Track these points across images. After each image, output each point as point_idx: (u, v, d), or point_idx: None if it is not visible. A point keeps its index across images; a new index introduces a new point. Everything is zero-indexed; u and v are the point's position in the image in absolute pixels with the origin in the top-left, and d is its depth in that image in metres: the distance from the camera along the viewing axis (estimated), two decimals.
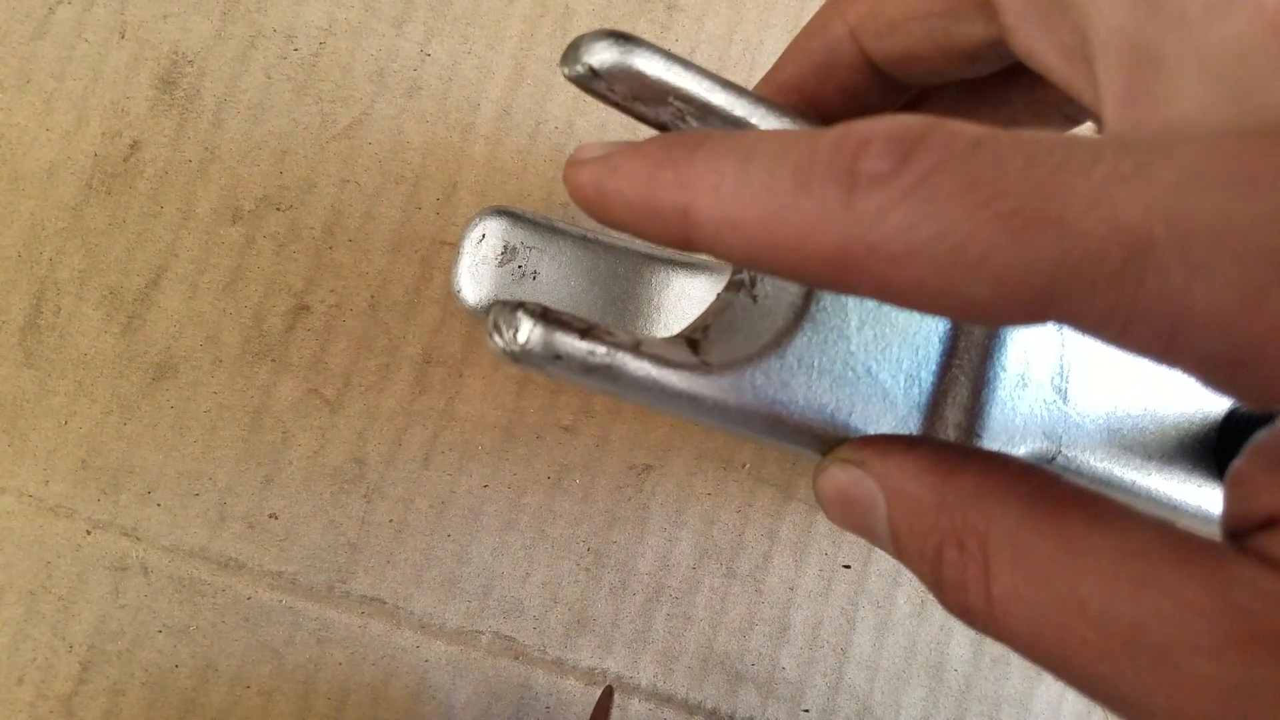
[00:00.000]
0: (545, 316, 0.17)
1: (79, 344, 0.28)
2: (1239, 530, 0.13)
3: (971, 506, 0.15)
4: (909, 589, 0.30)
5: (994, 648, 0.30)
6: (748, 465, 0.31)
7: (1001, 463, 0.16)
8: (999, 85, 0.21)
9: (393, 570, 0.29)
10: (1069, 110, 0.21)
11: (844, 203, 0.12)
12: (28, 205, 0.28)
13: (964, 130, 0.12)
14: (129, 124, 0.29)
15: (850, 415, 0.21)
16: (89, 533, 0.27)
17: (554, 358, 0.17)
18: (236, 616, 0.28)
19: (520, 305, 0.17)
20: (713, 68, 0.31)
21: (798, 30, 0.32)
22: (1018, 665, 0.30)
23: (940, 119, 0.12)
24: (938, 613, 0.30)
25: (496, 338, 0.18)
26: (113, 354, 0.28)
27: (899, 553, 0.17)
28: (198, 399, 0.28)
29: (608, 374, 0.18)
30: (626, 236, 0.30)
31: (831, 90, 0.21)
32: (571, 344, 0.18)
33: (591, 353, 0.18)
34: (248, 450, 0.28)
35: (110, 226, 0.28)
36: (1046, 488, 0.15)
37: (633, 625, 0.29)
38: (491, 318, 0.18)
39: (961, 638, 0.30)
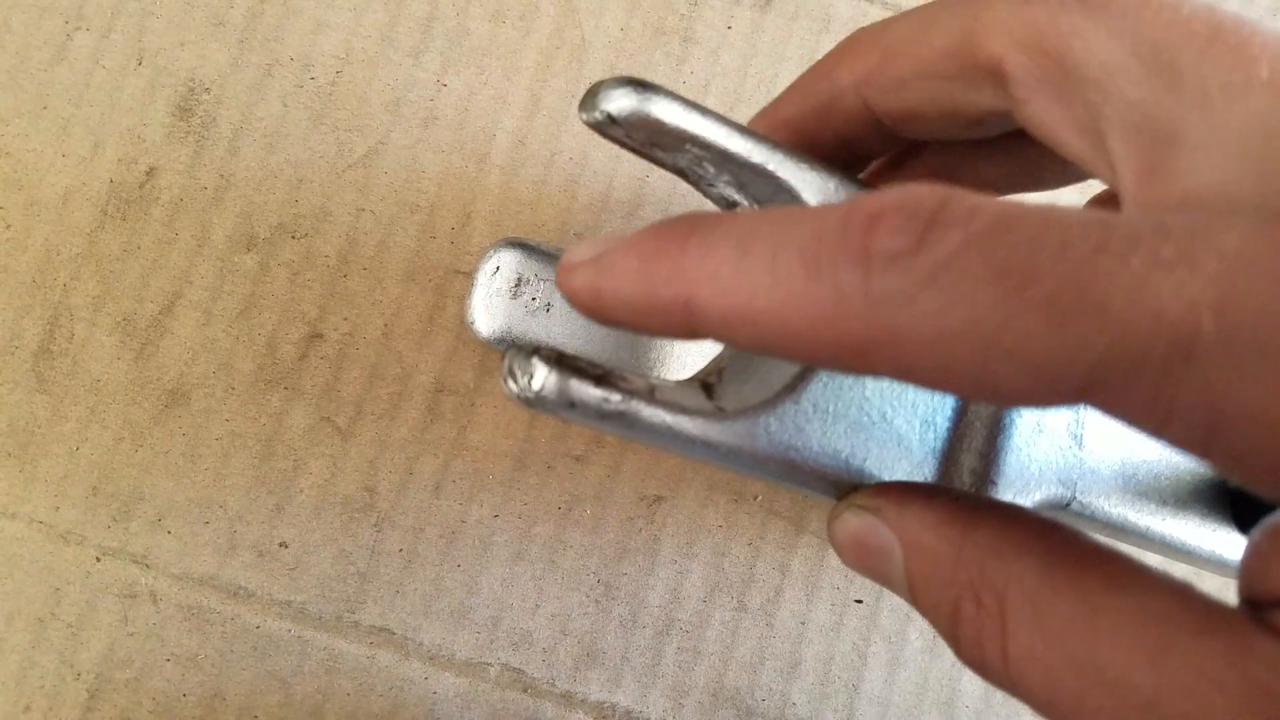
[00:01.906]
0: (560, 363, 0.17)
1: (92, 370, 0.28)
2: (1257, 601, 0.13)
3: (990, 562, 0.15)
4: (921, 625, 0.30)
5: None
6: (759, 498, 0.31)
7: (1021, 517, 0.16)
8: (998, 143, 0.21)
9: (402, 600, 0.29)
10: (1070, 172, 0.21)
11: (861, 287, 0.12)
12: (43, 230, 0.29)
13: (985, 206, 0.12)
14: (145, 150, 0.29)
15: (865, 461, 0.21)
16: (99, 560, 0.27)
17: (569, 405, 0.18)
18: (245, 645, 0.28)
19: (536, 351, 0.18)
20: (727, 101, 0.31)
21: (812, 63, 0.32)
22: None
23: (954, 190, 0.12)
24: (946, 649, 0.30)
25: (511, 383, 0.18)
26: (125, 380, 0.28)
27: (915, 601, 0.17)
28: (210, 426, 0.28)
29: (622, 420, 0.18)
30: None
31: (829, 134, 0.22)
32: (586, 391, 0.18)
33: (606, 400, 0.18)
34: (259, 478, 0.28)
35: (125, 253, 0.29)
36: (1066, 545, 0.15)
37: (642, 659, 0.29)
38: (506, 363, 0.18)
39: (973, 675, 0.30)
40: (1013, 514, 0.17)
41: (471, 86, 0.31)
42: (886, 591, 0.30)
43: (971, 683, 0.30)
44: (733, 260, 0.13)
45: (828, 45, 0.32)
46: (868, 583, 0.30)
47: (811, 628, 0.30)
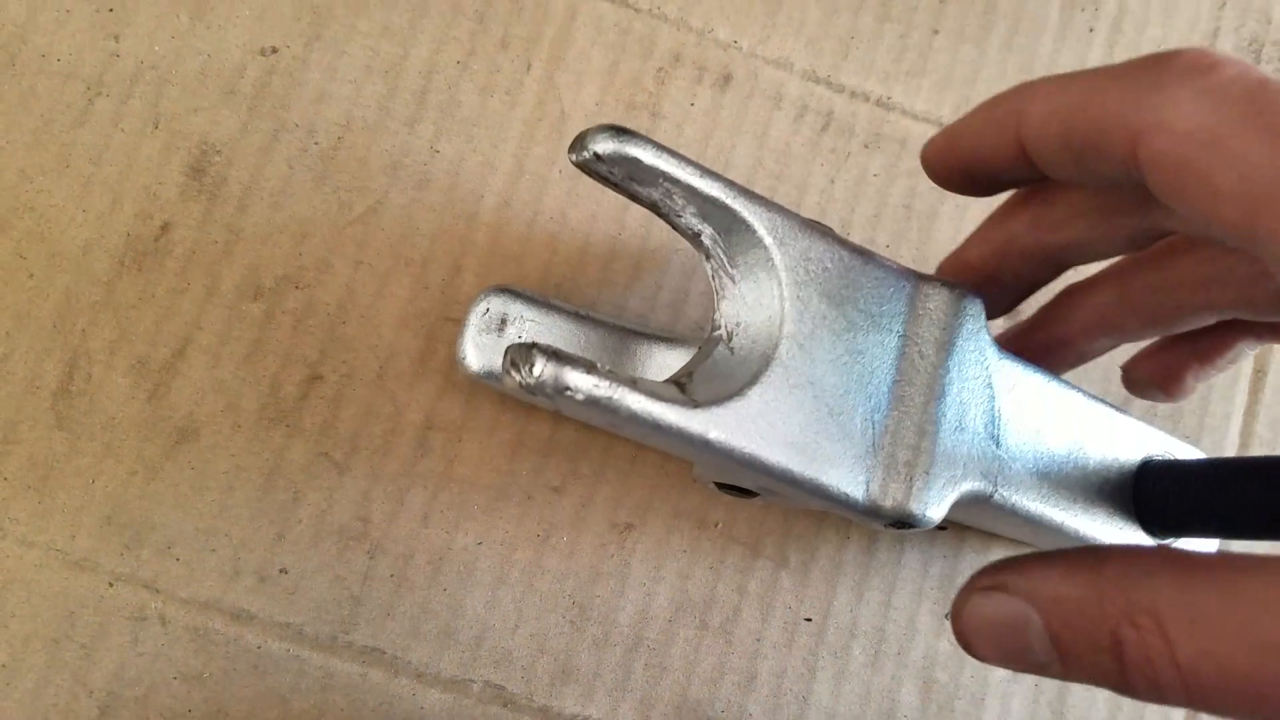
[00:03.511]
0: (556, 355, 0.21)
1: (107, 409, 0.30)
2: None
3: (1131, 588, 0.16)
4: (864, 641, 0.33)
5: (939, 694, 0.33)
6: (720, 524, 0.34)
7: (1127, 550, 0.18)
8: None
9: (392, 622, 0.31)
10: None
11: None
12: (63, 279, 0.31)
13: None
14: (160, 207, 0.32)
15: (816, 452, 0.24)
16: (111, 585, 0.30)
17: (563, 390, 0.21)
18: (246, 665, 0.30)
19: (535, 345, 0.21)
20: None
21: (764, 141, 0.36)
22: (961, 712, 0.33)
23: None
24: (889, 663, 0.33)
25: (514, 373, 0.21)
26: (139, 418, 0.30)
27: (1066, 659, 0.17)
28: (216, 461, 0.31)
29: (609, 405, 0.21)
30: (614, 314, 0.34)
31: (1008, 270, 0.26)
32: (578, 378, 0.21)
33: (596, 385, 0.21)
34: (261, 509, 0.31)
35: (140, 301, 0.31)
36: (1180, 556, 0.17)
37: (613, 674, 0.32)
38: (509, 357, 0.21)
39: (911, 686, 0.33)
40: (1122, 548, 0.18)
41: (462, 152, 0.34)
42: (833, 610, 0.34)
43: (909, 694, 0.33)
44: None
45: (780, 121, 0.36)
46: (817, 603, 0.34)
47: (766, 644, 0.33)
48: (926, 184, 0.36)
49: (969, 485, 0.26)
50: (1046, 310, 0.29)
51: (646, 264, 0.35)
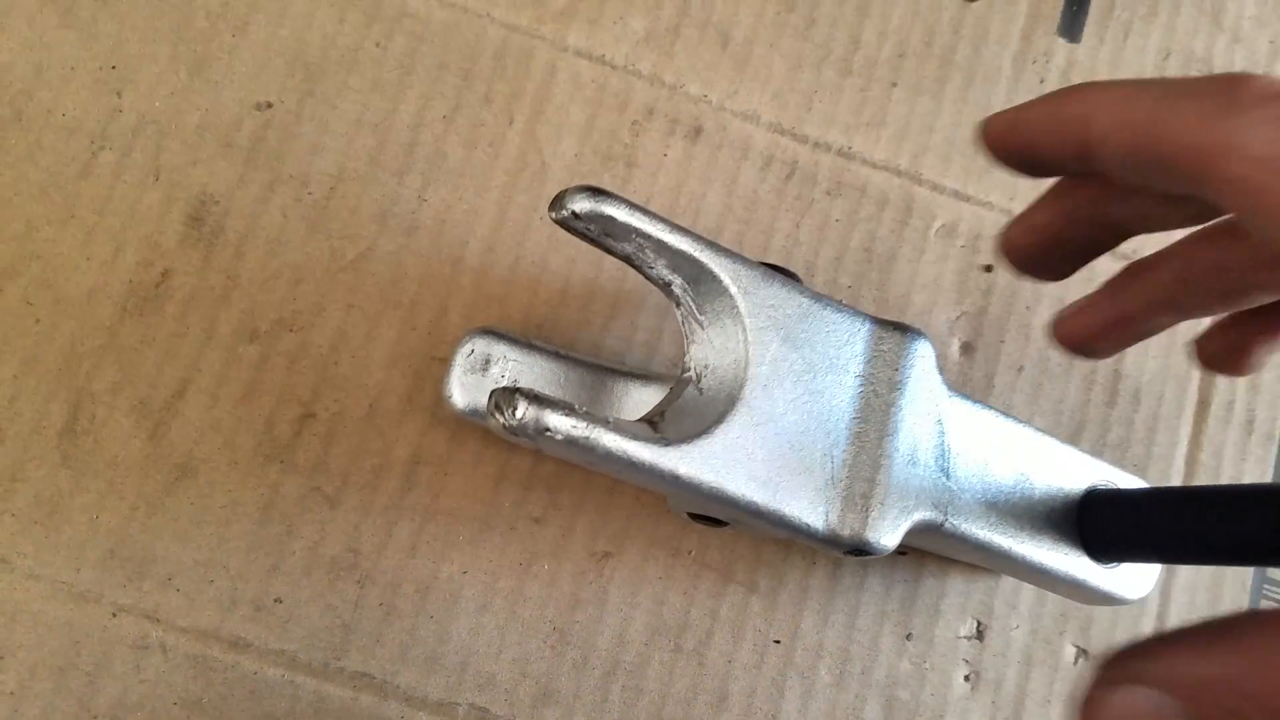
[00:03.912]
0: (537, 398, 0.23)
1: (110, 448, 0.32)
2: None
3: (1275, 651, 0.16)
4: (829, 661, 0.35)
5: (900, 711, 0.35)
6: (693, 552, 0.35)
7: (1257, 616, 0.17)
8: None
9: (381, 649, 0.33)
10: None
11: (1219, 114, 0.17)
12: (68, 325, 0.32)
13: None
14: (161, 255, 0.33)
15: (779, 485, 0.26)
16: (114, 615, 0.31)
17: (543, 431, 0.23)
18: (243, 690, 0.31)
19: (517, 390, 0.23)
20: (662, 213, 0.37)
21: (733, 188, 0.38)
22: None
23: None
24: (854, 682, 0.35)
25: (498, 415, 0.23)
26: (140, 457, 0.32)
27: None
28: (214, 496, 0.32)
29: (586, 444, 0.23)
30: (592, 352, 0.36)
31: (1071, 236, 0.26)
32: (557, 420, 0.23)
33: (574, 426, 0.23)
34: (256, 541, 0.32)
35: (141, 344, 0.33)
36: None
37: (591, 697, 0.34)
38: (493, 400, 0.23)
39: (874, 704, 0.35)
40: (1240, 617, 0.18)
41: (448, 201, 0.36)
42: (801, 632, 0.35)
43: (873, 711, 0.35)
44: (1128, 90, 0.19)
45: (747, 170, 0.38)
46: (785, 625, 0.35)
47: (737, 665, 0.35)
48: (885, 229, 0.39)
49: (921, 515, 0.28)
50: (1109, 287, 0.28)
51: (623, 305, 0.37)
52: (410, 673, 0.33)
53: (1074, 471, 0.32)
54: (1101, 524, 0.31)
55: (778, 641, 0.35)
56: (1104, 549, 0.31)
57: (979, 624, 0.37)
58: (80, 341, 0.33)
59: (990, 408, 0.31)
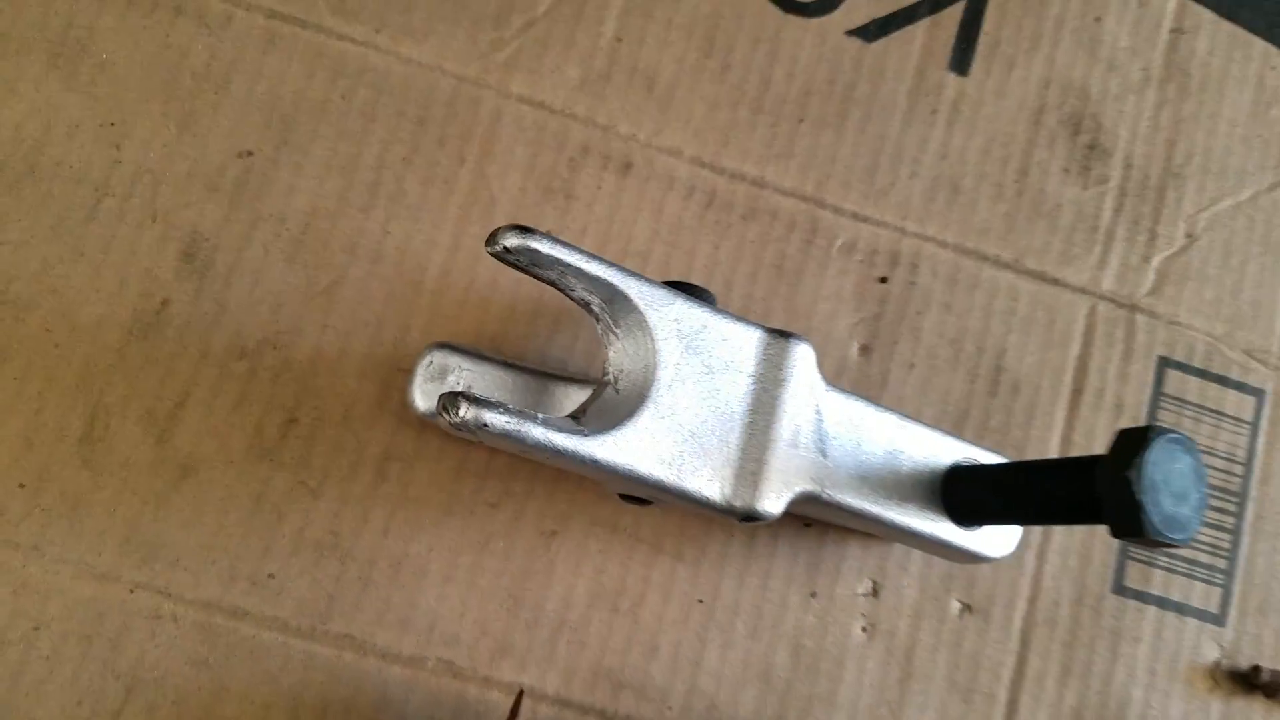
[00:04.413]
0: (476, 400, 0.28)
1: (123, 452, 0.37)
2: None
3: None
4: (745, 617, 0.41)
5: (806, 658, 0.41)
6: (628, 529, 0.41)
7: None
8: None
9: (360, 614, 0.38)
10: None
11: None
12: (82, 348, 0.38)
13: None
14: (159, 286, 0.39)
15: (682, 466, 0.32)
16: (131, 591, 0.36)
17: (482, 426, 0.28)
18: (243, 651, 0.37)
19: (460, 393, 0.28)
20: (600, 240, 0.42)
21: (660, 215, 0.43)
22: (825, 672, 0.41)
23: None
24: (766, 634, 0.41)
25: (445, 415, 0.28)
26: (149, 459, 0.37)
27: None
28: (213, 491, 0.38)
29: (517, 436, 0.29)
30: (538, 361, 0.41)
31: None
32: (492, 417, 0.28)
33: (507, 421, 0.28)
34: (251, 528, 0.38)
35: (146, 363, 0.38)
36: None
37: (542, 650, 0.39)
38: (441, 402, 0.28)
39: (783, 652, 0.41)
40: None
41: (409, 233, 0.41)
42: (721, 593, 0.41)
43: (782, 658, 0.41)
44: None
45: (672, 199, 0.44)
46: (707, 587, 0.41)
47: (665, 622, 0.40)
48: (793, 248, 0.44)
49: (801, 488, 0.34)
50: None
51: (564, 320, 0.42)
52: (385, 634, 0.38)
53: (940, 451, 0.38)
54: (960, 493, 0.37)
55: (701, 601, 0.41)
56: (963, 514, 0.37)
57: (874, 583, 0.42)
58: (93, 362, 0.38)
59: (863, 399, 0.36)
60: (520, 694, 0.36)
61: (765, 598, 0.41)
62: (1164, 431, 0.30)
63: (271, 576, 0.38)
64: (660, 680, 0.40)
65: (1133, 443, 0.30)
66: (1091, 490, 0.31)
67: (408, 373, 0.39)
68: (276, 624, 0.38)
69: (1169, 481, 0.30)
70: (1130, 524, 0.30)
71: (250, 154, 0.40)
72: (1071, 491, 0.33)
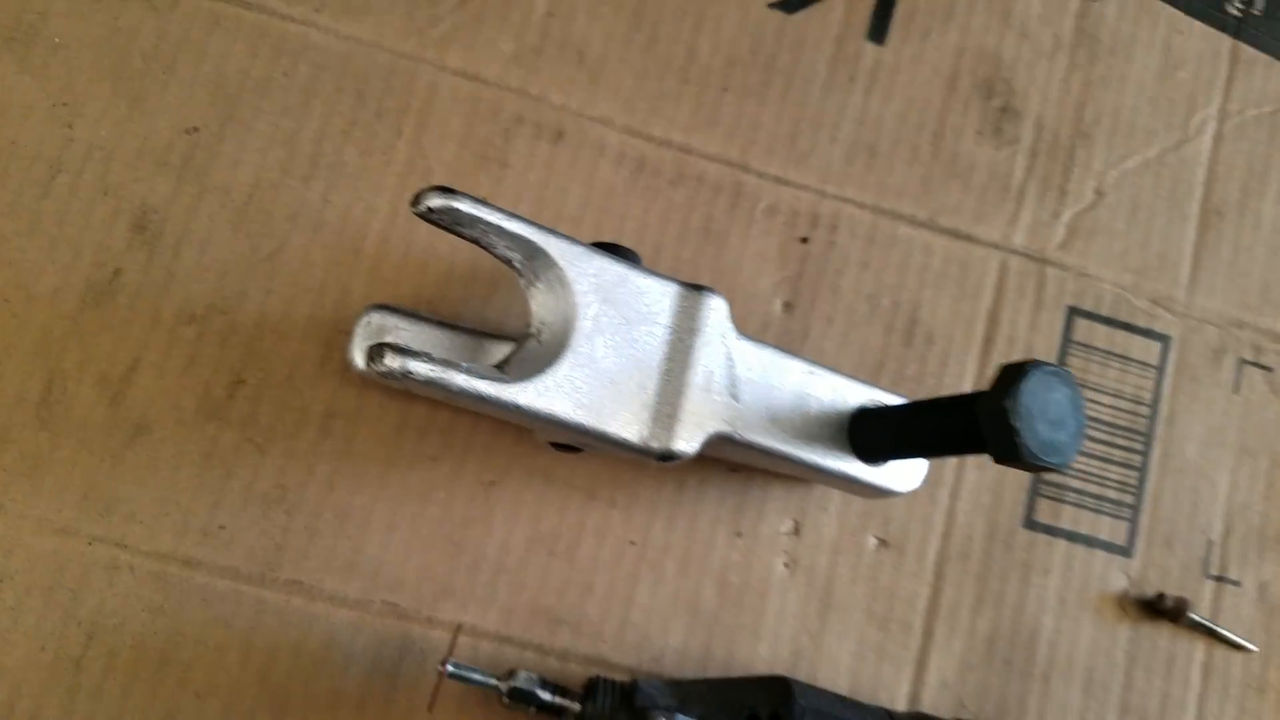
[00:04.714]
0: (401, 351, 0.30)
1: (79, 414, 0.39)
2: None
3: None
4: (674, 556, 0.43)
5: (731, 592, 0.43)
6: (564, 478, 0.43)
7: None
8: None
9: (308, 562, 0.40)
10: None
11: None
12: (40, 316, 0.40)
13: None
14: (112, 256, 0.40)
15: (602, 410, 0.34)
16: (90, 544, 0.38)
17: (406, 374, 0.30)
18: (197, 598, 0.39)
19: (386, 344, 0.30)
20: (535, 206, 0.44)
21: (592, 182, 0.45)
22: (749, 605, 0.43)
23: None
24: (694, 571, 0.43)
25: (373, 364, 0.30)
26: (104, 420, 0.39)
27: None
28: (165, 449, 0.40)
29: (441, 383, 0.31)
30: (477, 321, 0.43)
31: None
32: (416, 365, 0.30)
33: (430, 369, 0.30)
34: (202, 483, 0.40)
35: (100, 329, 0.40)
36: None
37: (483, 591, 0.41)
38: (369, 352, 0.30)
39: (710, 588, 0.43)
40: None
41: (348, 202, 0.43)
42: (651, 535, 0.43)
43: (709, 592, 0.43)
44: None
45: (604, 166, 0.45)
46: (639, 529, 0.43)
47: (599, 563, 0.43)
48: (719, 211, 0.46)
49: (715, 429, 0.36)
50: None
51: (501, 282, 0.44)
52: (332, 579, 0.40)
53: (848, 395, 0.40)
54: (864, 432, 0.39)
55: (633, 543, 0.43)
56: (868, 452, 0.39)
57: (796, 523, 0.44)
58: (50, 329, 0.40)
59: (774, 348, 0.39)
60: (458, 629, 0.39)
61: (693, 538, 0.44)
62: (1040, 364, 0.32)
63: (222, 528, 0.40)
64: (595, 616, 0.42)
65: (1011, 375, 0.32)
66: (975, 421, 0.33)
67: (348, 334, 0.41)
68: (228, 572, 0.40)
69: (1045, 410, 0.32)
70: (1007, 450, 0.32)
71: (196, 130, 0.42)
72: (959, 423, 0.35)
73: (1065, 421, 0.32)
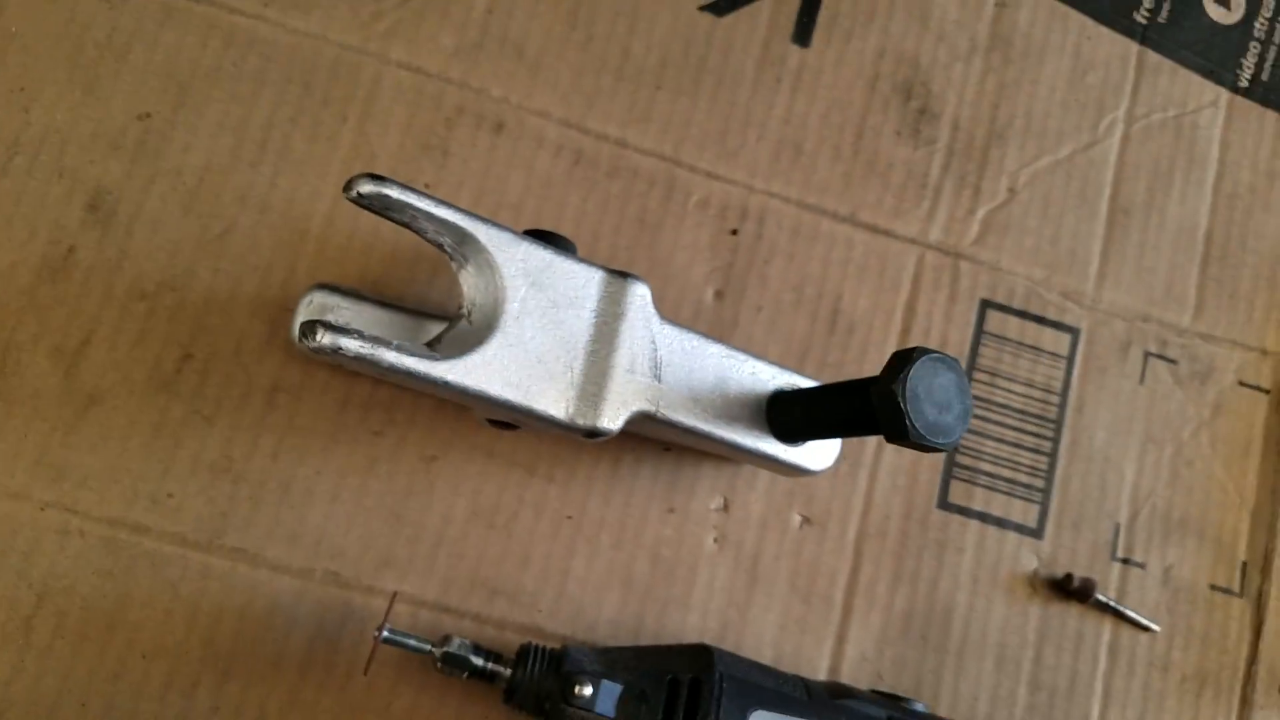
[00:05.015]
0: (331, 328, 0.35)
1: (33, 384, 0.44)
2: None
3: None
4: (610, 530, 0.49)
5: (663, 565, 0.49)
6: (504, 454, 0.49)
7: None
8: None
9: (253, 530, 0.45)
10: None
11: None
12: None
13: None
14: (66, 234, 0.45)
15: (529, 388, 0.39)
16: (42, 509, 0.43)
17: (337, 350, 0.35)
18: (145, 563, 0.44)
19: (319, 321, 0.35)
20: (475, 194, 0.50)
21: (532, 172, 0.51)
22: (680, 577, 0.49)
23: None
24: (629, 545, 0.49)
25: (305, 340, 0.35)
26: (57, 390, 0.44)
27: None
28: (116, 419, 0.45)
29: (372, 359, 0.36)
30: (419, 302, 0.48)
31: None
32: (347, 342, 0.35)
33: (361, 346, 0.35)
34: (151, 452, 0.45)
35: (54, 304, 0.45)
36: None
37: (423, 562, 0.47)
38: (301, 329, 0.35)
39: (644, 561, 0.49)
40: None
41: (295, 185, 0.48)
42: (588, 509, 0.49)
43: (643, 566, 0.49)
44: None
45: (542, 158, 0.51)
46: (576, 504, 0.49)
47: (537, 537, 0.48)
48: (654, 203, 0.52)
49: (638, 407, 0.42)
50: None
51: (442, 266, 0.50)
52: (276, 548, 0.45)
53: (765, 378, 0.46)
54: (779, 413, 0.45)
55: (570, 517, 0.49)
56: (784, 432, 0.45)
57: (725, 500, 0.51)
58: (5, 304, 0.45)
59: (695, 333, 0.45)
60: (394, 595, 0.44)
61: (628, 513, 0.49)
62: (927, 352, 0.37)
63: (170, 496, 0.45)
64: (531, 587, 0.48)
65: (900, 361, 0.37)
66: (871, 404, 0.39)
67: (293, 312, 0.46)
68: (175, 539, 0.45)
69: (932, 394, 0.37)
70: (897, 430, 0.37)
71: (149, 116, 0.47)
72: (857, 406, 0.41)
73: (951, 404, 0.37)
